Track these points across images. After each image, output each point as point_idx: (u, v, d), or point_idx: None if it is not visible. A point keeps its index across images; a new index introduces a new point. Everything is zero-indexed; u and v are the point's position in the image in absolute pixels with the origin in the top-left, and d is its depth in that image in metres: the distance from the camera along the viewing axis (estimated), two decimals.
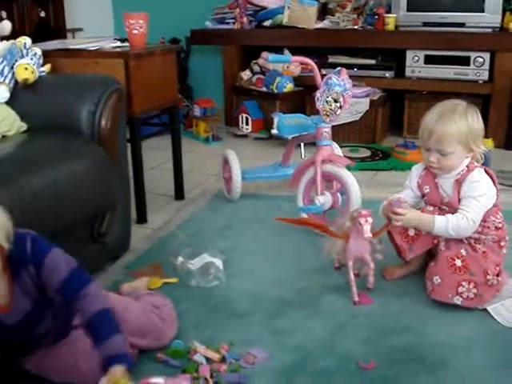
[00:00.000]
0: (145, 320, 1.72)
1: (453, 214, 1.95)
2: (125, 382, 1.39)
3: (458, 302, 1.94)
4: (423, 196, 2.10)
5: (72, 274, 1.48)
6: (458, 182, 1.97)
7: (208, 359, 1.70)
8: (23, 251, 1.44)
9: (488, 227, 1.97)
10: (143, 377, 1.45)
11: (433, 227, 1.95)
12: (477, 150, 1.96)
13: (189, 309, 1.96)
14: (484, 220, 1.96)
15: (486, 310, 1.93)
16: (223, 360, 1.70)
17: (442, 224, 1.94)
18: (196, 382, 1.59)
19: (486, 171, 1.98)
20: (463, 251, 1.96)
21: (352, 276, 2.04)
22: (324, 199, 2.53)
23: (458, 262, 1.94)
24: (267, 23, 4.45)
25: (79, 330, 1.61)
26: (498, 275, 1.96)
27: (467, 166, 1.96)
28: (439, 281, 1.96)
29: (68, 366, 1.59)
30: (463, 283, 1.93)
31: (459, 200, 1.97)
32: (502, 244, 2.01)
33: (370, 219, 1.94)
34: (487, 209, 1.95)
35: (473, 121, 1.93)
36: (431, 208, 2.06)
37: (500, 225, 1.99)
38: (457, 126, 1.90)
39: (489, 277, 1.93)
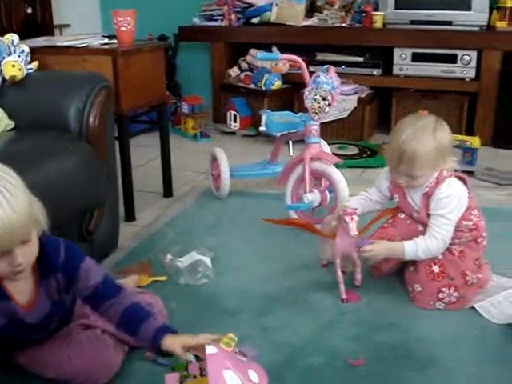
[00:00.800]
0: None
1: (422, 226, 1.96)
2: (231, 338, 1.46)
3: (441, 307, 1.96)
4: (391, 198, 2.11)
5: (105, 280, 1.56)
6: (426, 196, 1.94)
7: (198, 357, 1.70)
8: (56, 258, 1.49)
9: (461, 231, 1.95)
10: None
11: (403, 254, 1.95)
12: (446, 164, 1.91)
13: (178, 307, 1.96)
14: (457, 226, 1.93)
15: (473, 307, 1.95)
16: None
17: (412, 249, 1.93)
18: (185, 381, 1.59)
19: (458, 177, 1.94)
20: (440, 256, 1.95)
21: (340, 273, 2.04)
22: (312, 197, 2.53)
23: (436, 268, 1.95)
24: (255, 20, 4.45)
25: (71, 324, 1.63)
26: (478, 271, 1.96)
27: (436, 178, 1.92)
28: (420, 289, 1.98)
29: (61, 361, 1.59)
30: (443, 289, 1.94)
31: (428, 215, 1.95)
32: (479, 240, 1.98)
33: (355, 217, 1.95)
34: (458, 219, 1.92)
35: (442, 138, 1.87)
36: (403, 215, 2.08)
37: (474, 226, 1.95)
38: (426, 151, 1.84)
39: (468, 278, 1.94)
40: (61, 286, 1.52)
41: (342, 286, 2.04)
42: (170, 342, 1.52)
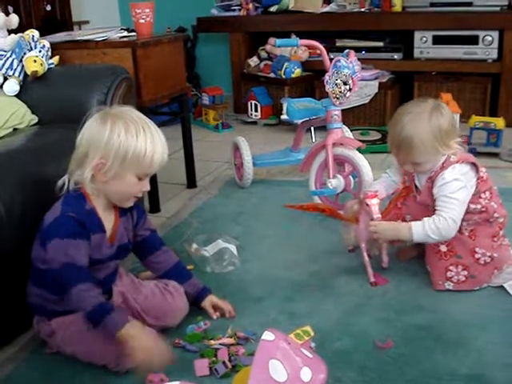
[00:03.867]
0: (157, 298, 1.79)
1: (431, 211, 1.93)
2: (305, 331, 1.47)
3: (450, 287, 1.94)
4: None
5: (155, 232, 1.90)
6: (431, 180, 1.92)
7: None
8: None
9: (470, 213, 1.90)
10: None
11: (411, 235, 1.90)
12: (449, 149, 1.88)
13: None
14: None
15: (501, 286, 1.93)
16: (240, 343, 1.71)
17: (420, 230, 1.88)
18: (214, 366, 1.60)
19: (468, 162, 1.90)
20: None
21: (366, 257, 2.04)
22: (336, 182, 2.52)
23: (443, 247, 1.93)
24: (273, 9, 4.44)
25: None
26: (493, 250, 1.92)
27: (442, 164, 1.89)
28: (429, 269, 1.97)
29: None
30: (451, 267, 1.92)
31: (432, 198, 1.92)
32: (491, 220, 1.94)
33: (377, 200, 1.94)
34: (466, 203, 1.88)
35: (438, 123, 1.84)
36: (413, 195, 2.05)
37: (483, 209, 1.91)
38: (422, 137, 1.83)
39: (477, 255, 1.91)
40: (134, 221, 1.79)
41: (370, 270, 2.03)
42: (207, 302, 1.85)
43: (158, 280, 1.86)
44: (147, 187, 1.69)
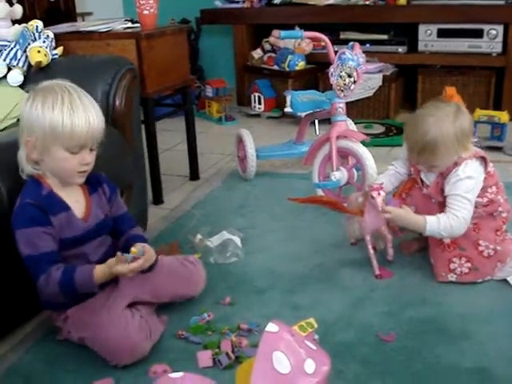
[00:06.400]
0: (176, 263, 1.86)
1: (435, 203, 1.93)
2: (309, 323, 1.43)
3: (453, 279, 1.94)
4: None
5: (128, 214, 1.86)
6: (442, 176, 1.92)
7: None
8: (99, 175, 1.77)
9: (475, 206, 1.90)
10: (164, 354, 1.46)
11: (424, 229, 1.90)
12: (466, 151, 1.88)
13: (208, 286, 1.95)
14: None
15: (505, 280, 1.93)
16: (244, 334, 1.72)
17: (434, 225, 1.87)
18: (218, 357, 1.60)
19: (479, 156, 1.89)
20: None
21: (371, 250, 2.04)
22: (340, 175, 2.52)
23: (446, 240, 1.93)
24: (277, 1, 4.42)
25: None
26: (497, 243, 1.92)
27: (455, 160, 1.88)
28: (433, 262, 1.98)
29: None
30: (454, 259, 1.93)
31: (441, 193, 1.92)
32: (495, 214, 1.94)
33: (382, 192, 1.94)
34: (474, 199, 1.88)
35: (462, 126, 1.84)
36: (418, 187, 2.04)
37: (488, 202, 1.91)
38: (447, 141, 1.82)
39: (481, 248, 1.91)
40: (107, 197, 1.76)
41: (375, 263, 2.03)
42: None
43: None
44: (86, 160, 1.61)
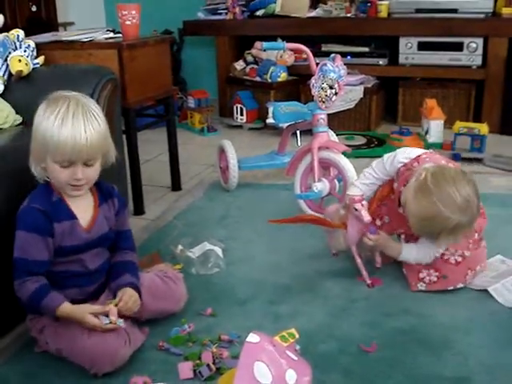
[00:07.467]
0: (157, 281, 1.83)
1: None
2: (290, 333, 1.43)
3: (422, 288, 1.97)
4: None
5: (131, 233, 1.86)
6: None
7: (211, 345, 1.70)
8: (112, 189, 1.78)
9: None
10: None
11: (398, 255, 1.99)
12: None
13: (190, 297, 1.93)
14: None
15: (486, 290, 1.94)
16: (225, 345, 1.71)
17: (408, 256, 1.97)
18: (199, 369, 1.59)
19: None
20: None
21: (359, 260, 2.05)
22: (321, 186, 2.52)
23: None
24: (260, 13, 4.44)
25: None
26: (471, 249, 1.94)
27: None
28: (405, 272, 2.02)
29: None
30: (422, 270, 1.96)
31: None
32: None
33: (364, 202, 1.95)
34: None
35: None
36: (393, 197, 2.04)
37: None
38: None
39: (446, 256, 1.93)
40: (115, 210, 1.76)
41: (365, 272, 2.04)
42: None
43: (156, 271, 1.91)
44: (77, 175, 1.57)
